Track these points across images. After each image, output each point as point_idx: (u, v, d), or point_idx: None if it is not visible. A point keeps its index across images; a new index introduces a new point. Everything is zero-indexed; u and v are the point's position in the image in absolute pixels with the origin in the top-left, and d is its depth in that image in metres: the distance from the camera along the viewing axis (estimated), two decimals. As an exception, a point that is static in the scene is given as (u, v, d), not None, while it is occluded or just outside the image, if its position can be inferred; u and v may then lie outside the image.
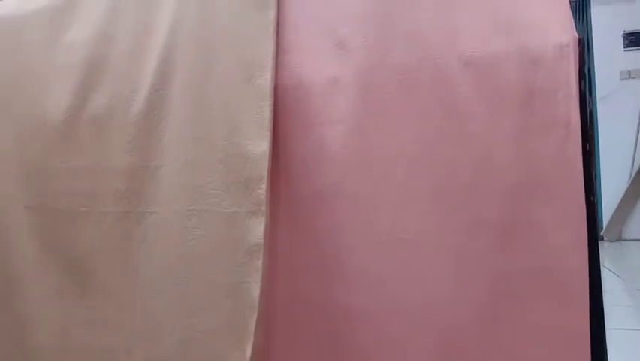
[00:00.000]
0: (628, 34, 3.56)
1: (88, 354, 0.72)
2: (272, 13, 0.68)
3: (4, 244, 0.76)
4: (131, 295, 0.69)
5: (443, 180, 0.61)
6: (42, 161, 0.76)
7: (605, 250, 3.49)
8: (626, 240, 3.66)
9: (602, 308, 0.58)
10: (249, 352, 0.59)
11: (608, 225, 3.70)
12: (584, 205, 0.55)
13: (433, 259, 0.60)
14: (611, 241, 3.70)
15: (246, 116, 0.65)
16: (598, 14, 3.64)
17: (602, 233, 3.68)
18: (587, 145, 0.58)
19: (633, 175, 3.63)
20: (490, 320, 0.58)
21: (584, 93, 0.59)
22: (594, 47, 3.68)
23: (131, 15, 0.76)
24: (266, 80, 0.65)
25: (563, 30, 0.59)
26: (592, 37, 3.67)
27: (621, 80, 3.64)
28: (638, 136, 3.60)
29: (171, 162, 0.68)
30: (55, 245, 0.74)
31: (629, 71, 3.56)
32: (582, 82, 0.59)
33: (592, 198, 0.57)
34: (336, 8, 0.68)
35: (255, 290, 0.60)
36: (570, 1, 0.62)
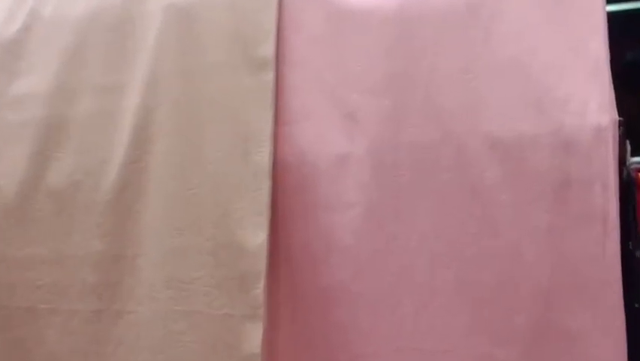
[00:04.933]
0: None
1: None
2: (269, 76, 0.83)
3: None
4: (104, 408, 0.86)
5: (468, 277, 0.76)
6: (-9, 247, 0.94)
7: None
8: None
9: None
10: None
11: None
12: (623, 314, 0.70)
13: None
14: None
15: (240, 199, 0.80)
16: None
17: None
18: (630, 243, 0.72)
19: None
20: None
21: (626, 182, 0.74)
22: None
23: (96, 67, 0.92)
24: (263, 156, 0.80)
25: (601, 109, 0.75)
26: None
27: None
28: None
29: (151, 250, 0.83)
30: (14, 351, 0.88)
31: None
32: (623, 169, 0.75)
33: (636, 305, 0.73)
34: (345, 70, 0.83)
35: (252, 408, 0.77)
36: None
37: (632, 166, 0.78)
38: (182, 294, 0.80)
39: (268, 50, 0.83)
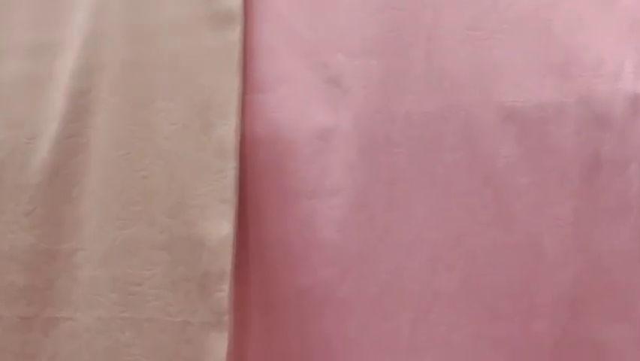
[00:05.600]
0: None
1: None
2: (236, 33, 0.73)
3: None
4: None
5: (477, 276, 0.68)
6: None
7: None
8: None
9: None
10: None
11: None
12: (664, 324, 0.63)
13: None
14: None
15: (200, 183, 0.71)
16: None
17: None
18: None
19: None
20: None
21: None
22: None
23: (24, 22, 0.82)
24: (228, 130, 0.71)
25: (638, 75, 0.68)
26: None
27: None
28: None
29: (93, 244, 0.74)
30: None
31: None
32: (662, 147, 0.69)
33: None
34: (328, 26, 0.75)
35: None
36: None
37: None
38: (130, 298, 0.71)
39: (234, 1, 0.74)
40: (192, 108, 0.72)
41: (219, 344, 0.68)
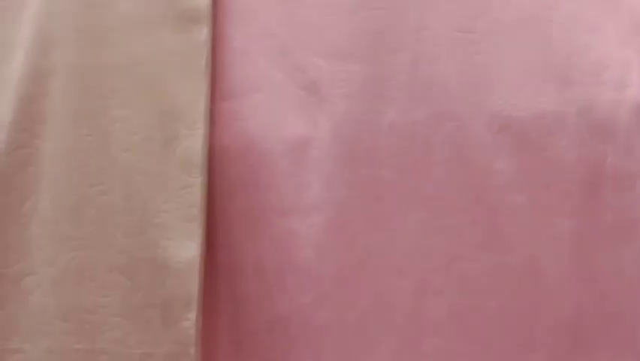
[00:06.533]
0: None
1: None
2: (203, 33, 0.69)
3: None
4: None
5: (468, 303, 0.65)
6: None
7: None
8: None
9: None
10: None
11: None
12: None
13: None
14: None
15: (163, 199, 0.67)
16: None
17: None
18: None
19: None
20: None
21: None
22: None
23: None
24: (195, 141, 0.67)
25: None
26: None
27: None
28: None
29: (42, 268, 0.69)
30: None
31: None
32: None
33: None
34: (304, 29, 0.70)
35: None
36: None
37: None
38: (84, 327, 0.66)
39: (201, -2, 0.71)
40: (154, 117, 0.68)
41: None
